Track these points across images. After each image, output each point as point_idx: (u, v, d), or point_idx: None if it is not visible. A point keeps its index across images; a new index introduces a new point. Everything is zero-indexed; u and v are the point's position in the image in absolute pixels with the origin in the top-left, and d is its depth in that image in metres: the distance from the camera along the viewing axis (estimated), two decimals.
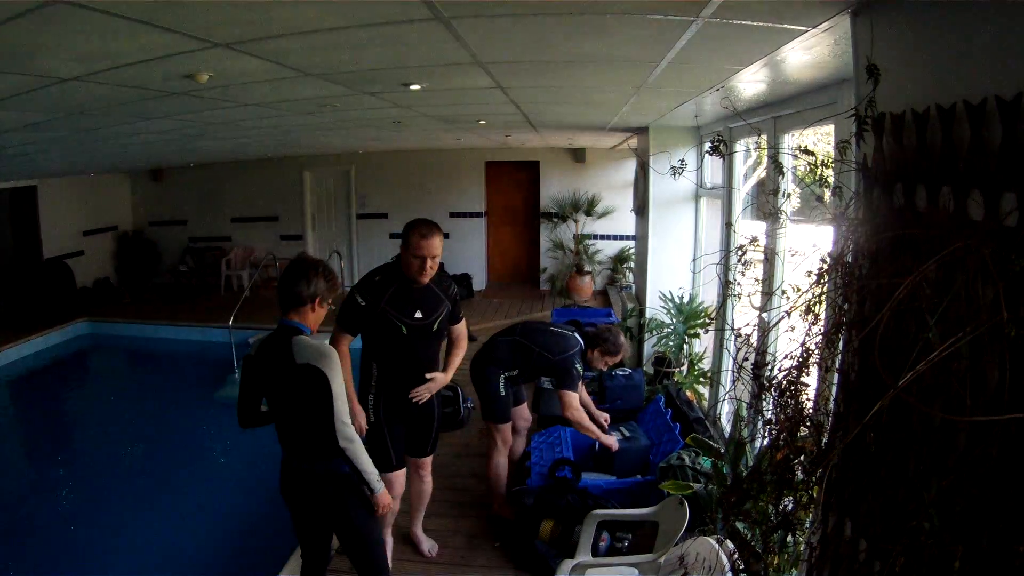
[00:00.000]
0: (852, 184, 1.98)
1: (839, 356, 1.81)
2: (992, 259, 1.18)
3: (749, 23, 2.48)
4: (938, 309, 1.26)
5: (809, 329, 1.80)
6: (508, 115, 6.10)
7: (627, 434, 5.01)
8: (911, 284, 1.30)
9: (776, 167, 2.22)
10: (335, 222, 13.99)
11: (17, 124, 4.55)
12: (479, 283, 13.42)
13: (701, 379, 6.42)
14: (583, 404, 4.61)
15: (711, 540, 2.90)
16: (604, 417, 4.91)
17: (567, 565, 3.33)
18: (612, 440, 4.65)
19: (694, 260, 6.72)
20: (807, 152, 2.06)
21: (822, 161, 2.06)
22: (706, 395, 6.24)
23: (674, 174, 3.13)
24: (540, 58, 3.32)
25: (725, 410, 3.49)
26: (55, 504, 6.02)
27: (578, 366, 4.41)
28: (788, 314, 1.82)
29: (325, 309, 3.03)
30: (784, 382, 1.84)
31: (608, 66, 3.55)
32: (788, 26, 2.45)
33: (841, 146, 1.94)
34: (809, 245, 2.11)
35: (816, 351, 1.81)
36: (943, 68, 1.63)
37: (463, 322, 3.96)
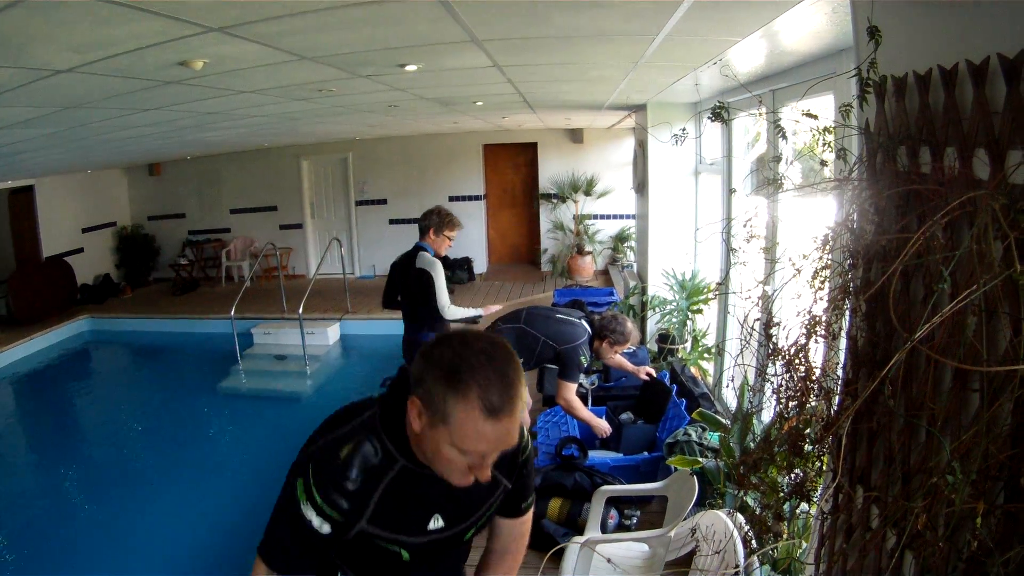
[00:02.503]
0: (855, 150, 1.97)
1: (846, 317, 1.80)
2: (1003, 213, 1.17)
3: None
4: (949, 263, 1.26)
5: (816, 295, 1.79)
6: (505, 95, 6.07)
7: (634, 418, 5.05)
8: (922, 236, 1.29)
9: (777, 130, 2.20)
10: (334, 210, 13.99)
11: (11, 121, 4.53)
12: (480, 266, 13.43)
13: (705, 355, 6.43)
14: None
15: (721, 513, 2.90)
16: (646, 370, 5.20)
17: (577, 543, 3.34)
18: (604, 424, 4.65)
19: (696, 231, 6.71)
20: (810, 116, 2.04)
21: (825, 127, 2.04)
22: (711, 371, 6.25)
23: (676, 142, 3.12)
24: (537, 34, 3.29)
25: (731, 380, 3.49)
26: (63, 500, 6.08)
27: (583, 357, 4.36)
28: (799, 271, 1.81)
29: (443, 239, 5.03)
30: (791, 349, 1.83)
31: (605, 41, 3.52)
32: None
33: (843, 109, 1.92)
34: (811, 216, 2.10)
35: (823, 317, 1.80)
36: (944, 29, 1.61)
37: (530, 512, 2.05)
